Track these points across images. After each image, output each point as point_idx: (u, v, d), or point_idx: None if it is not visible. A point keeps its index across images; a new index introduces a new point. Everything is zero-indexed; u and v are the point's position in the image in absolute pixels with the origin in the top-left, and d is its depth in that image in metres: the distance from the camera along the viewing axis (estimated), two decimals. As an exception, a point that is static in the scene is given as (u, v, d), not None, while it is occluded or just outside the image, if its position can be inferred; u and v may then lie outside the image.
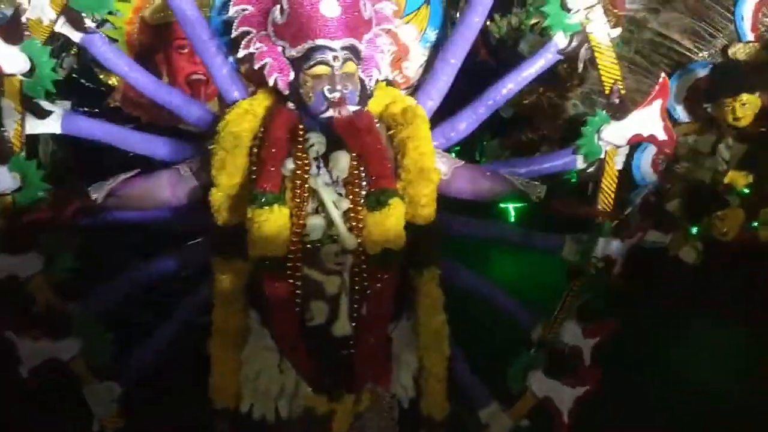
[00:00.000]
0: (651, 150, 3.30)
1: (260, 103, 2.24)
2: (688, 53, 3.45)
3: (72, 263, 2.36)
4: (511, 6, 4.51)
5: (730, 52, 3.34)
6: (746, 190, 3.44)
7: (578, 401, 2.58)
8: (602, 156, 2.46)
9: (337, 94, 2.09)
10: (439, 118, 2.44)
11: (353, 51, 2.12)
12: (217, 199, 2.19)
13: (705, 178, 3.34)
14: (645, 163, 3.38)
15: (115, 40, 2.66)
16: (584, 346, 2.55)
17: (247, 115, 2.20)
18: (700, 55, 3.46)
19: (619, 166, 2.50)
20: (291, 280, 2.14)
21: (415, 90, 2.48)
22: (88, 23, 2.24)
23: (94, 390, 2.47)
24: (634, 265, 2.63)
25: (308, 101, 2.12)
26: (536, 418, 2.66)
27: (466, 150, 2.78)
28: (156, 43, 2.91)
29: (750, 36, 3.34)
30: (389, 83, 2.40)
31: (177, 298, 2.57)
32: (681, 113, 3.52)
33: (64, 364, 2.38)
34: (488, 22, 4.19)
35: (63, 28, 2.22)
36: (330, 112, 2.11)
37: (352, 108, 2.13)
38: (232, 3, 2.19)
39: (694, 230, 3.51)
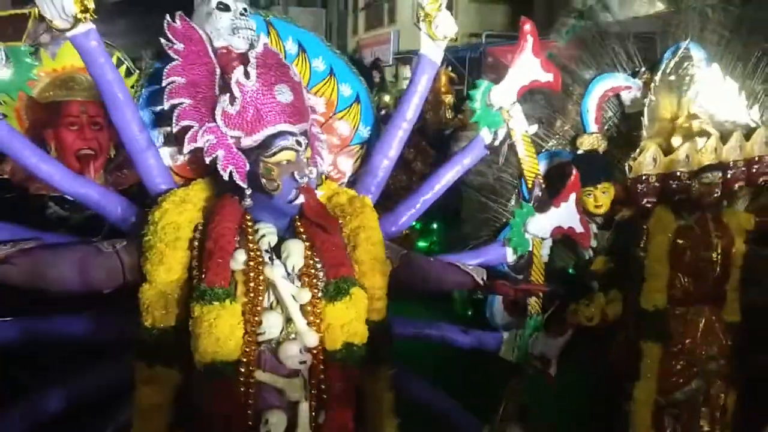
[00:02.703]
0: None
1: (197, 193, 2.18)
2: (539, 141, 3.68)
3: None
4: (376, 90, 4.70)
5: (578, 142, 3.64)
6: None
7: None
8: (530, 248, 2.68)
9: (306, 179, 2.09)
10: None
11: (307, 136, 2.16)
12: (149, 297, 2.06)
13: (567, 266, 3.55)
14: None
15: (4, 116, 2.50)
16: None
17: (185, 204, 2.12)
18: (549, 143, 3.70)
19: (545, 258, 2.78)
20: (243, 388, 2.03)
21: (351, 185, 2.55)
22: None
23: None
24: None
25: (275, 190, 2.09)
26: None
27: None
28: (45, 119, 2.90)
29: (594, 127, 3.73)
30: (326, 176, 2.45)
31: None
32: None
33: None
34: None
35: None
36: (301, 199, 2.10)
37: (318, 193, 2.17)
38: (166, 97, 2.13)
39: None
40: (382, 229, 2.38)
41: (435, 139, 6.62)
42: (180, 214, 2.09)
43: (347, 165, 2.60)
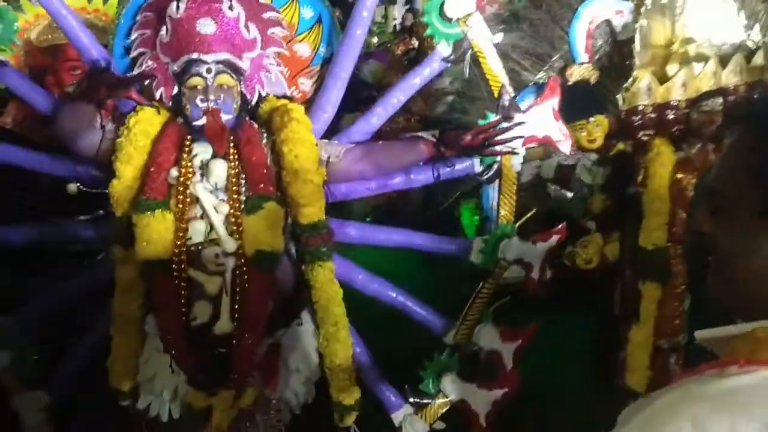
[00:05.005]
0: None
1: (164, 115, 2.59)
2: (526, 73, 3.54)
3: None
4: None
5: (567, 73, 3.53)
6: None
7: (497, 404, 2.80)
8: (498, 159, 2.80)
9: (209, 104, 2.48)
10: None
11: (229, 65, 2.53)
12: (118, 191, 2.48)
13: (560, 206, 3.44)
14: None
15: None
16: (504, 350, 2.80)
17: (157, 117, 2.55)
18: (538, 75, 3.57)
19: (518, 168, 2.85)
20: (176, 282, 2.46)
21: (310, 104, 2.80)
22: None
23: (23, 399, 2.73)
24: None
25: (186, 112, 2.54)
26: (452, 419, 2.91)
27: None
28: (45, 64, 3.10)
29: (584, 57, 3.63)
30: (286, 98, 2.72)
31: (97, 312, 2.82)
32: (525, 137, 3.60)
33: None
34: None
35: None
36: (203, 120, 2.49)
37: (226, 117, 2.51)
38: (134, 29, 2.63)
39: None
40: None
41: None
42: (151, 126, 2.52)
43: (307, 85, 2.86)
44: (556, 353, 3.46)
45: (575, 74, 3.57)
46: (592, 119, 3.39)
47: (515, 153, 2.76)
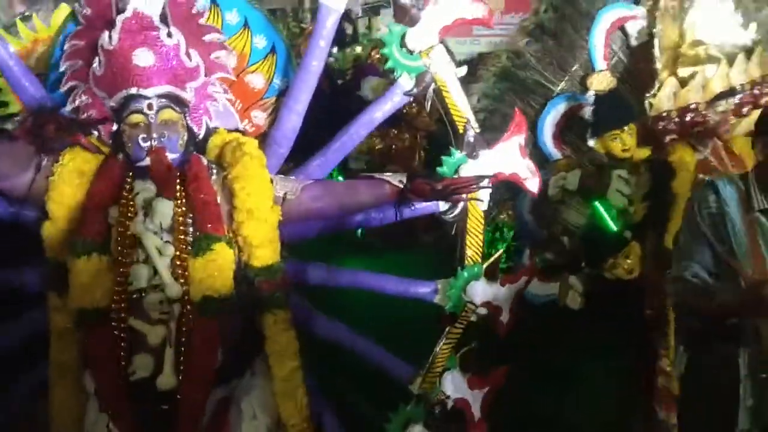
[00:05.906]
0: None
1: (107, 149, 2.47)
2: (549, 85, 3.67)
3: None
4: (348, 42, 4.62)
5: (588, 81, 3.62)
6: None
7: None
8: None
9: (152, 143, 2.33)
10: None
11: (172, 98, 2.39)
12: (51, 233, 2.37)
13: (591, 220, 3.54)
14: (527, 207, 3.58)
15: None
16: (471, 397, 2.71)
17: (96, 156, 2.42)
18: (559, 86, 3.68)
19: (484, 206, 2.73)
20: (115, 332, 2.32)
21: (265, 138, 2.69)
22: None
23: None
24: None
25: (128, 150, 2.38)
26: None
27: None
28: None
29: (602, 64, 3.66)
30: (238, 131, 2.62)
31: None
32: (552, 150, 3.77)
33: None
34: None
35: None
36: (147, 161, 2.34)
37: (172, 156, 2.36)
38: (62, 59, 2.48)
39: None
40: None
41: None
42: (86, 163, 2.40)
43: (261, 118, 2.75)
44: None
45: (595, 83, 3.56)
46: (626, 128, 3.41)
47: (480, 201, 2.68)
